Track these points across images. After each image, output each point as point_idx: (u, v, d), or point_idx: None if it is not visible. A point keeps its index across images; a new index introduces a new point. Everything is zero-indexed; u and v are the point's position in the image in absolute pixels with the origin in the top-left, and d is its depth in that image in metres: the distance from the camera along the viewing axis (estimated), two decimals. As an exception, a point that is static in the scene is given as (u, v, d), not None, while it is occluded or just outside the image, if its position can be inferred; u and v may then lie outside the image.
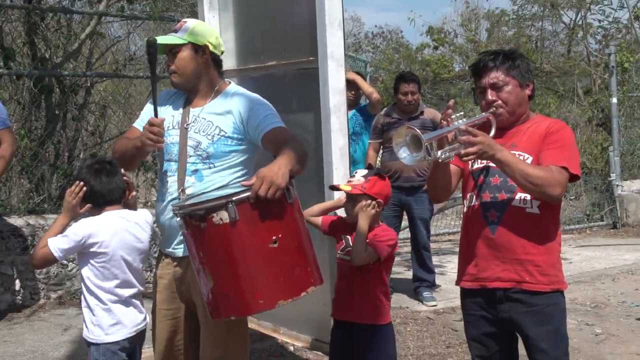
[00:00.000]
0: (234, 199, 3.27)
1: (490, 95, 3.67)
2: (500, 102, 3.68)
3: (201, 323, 3.94)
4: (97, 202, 3.78)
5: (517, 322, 3.76)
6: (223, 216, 3.27)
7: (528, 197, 3.64)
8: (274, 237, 3.37)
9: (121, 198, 3.87)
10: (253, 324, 5.36)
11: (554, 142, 3.65)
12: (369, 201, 4.02)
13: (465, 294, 3.91)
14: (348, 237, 4.17)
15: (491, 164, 3.71)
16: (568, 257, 9.66)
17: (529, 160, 3.62)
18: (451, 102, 3.63)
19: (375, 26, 36.69)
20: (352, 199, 4.10)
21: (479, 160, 3.81)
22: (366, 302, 4.18)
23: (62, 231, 3.72)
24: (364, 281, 4.18)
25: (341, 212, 4.38)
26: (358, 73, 8.46)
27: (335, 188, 4.26)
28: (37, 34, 8.85)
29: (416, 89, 7.80)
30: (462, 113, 3.56)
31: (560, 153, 3.60)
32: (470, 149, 3.36)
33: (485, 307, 3.78)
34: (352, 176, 4.22)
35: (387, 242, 4.12)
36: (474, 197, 3.81)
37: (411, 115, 7.78)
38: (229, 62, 5.45)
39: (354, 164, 7.71)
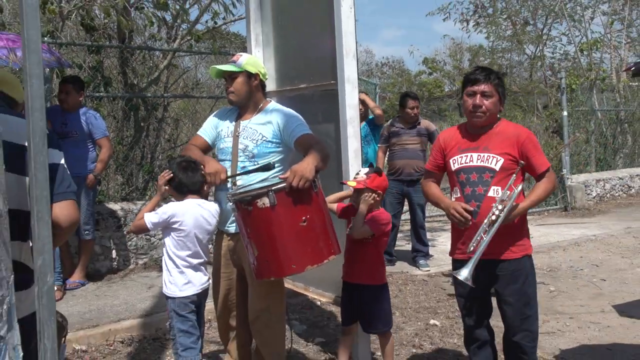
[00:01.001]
0: (273, 188, 3.40)
1: (479, 100, 3.66)
2: (484, 107, 3.67)
3: (249, 283, 3.97)
4: (181, 190, 3.84)
5: (492, 283, 3.79)
6: (265, 201, 3.40)
7: (499, 188, 3.63)
8: (303, 217, 3.50)
9: (200, 190, 3.89)
10: (289, 284, 5.33)
11: (532, 148, 3.69)
12: (370, 193, 4.04)
13: (455, 263, 3.89)
14: (353, 218, 4.14)
15: (470, 164, 3.71)
16: (531, 233, 9.46)
17: (500, 163, 3.65)
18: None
19: (383, 57, 37.12)
20: (357, 192, 4.09)
21: (460, 161, 3.78)
22: (365, 268, 4.19)
23: (154, 206, 3.85)
24: (362, 252, 4.18)
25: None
26: (366, 93, 8.48)
27: (344, 184, 4.25)
28: (128, 66, 8.91)
29: (417, 104, 7.88)
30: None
31: (540, 156, 3.72)
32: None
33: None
34: (357, 173, 4.19)
35: (381, 221, 4.12)
36: (458, 190, 3.81)
37: (412, 125, 7.82)
38: (270, 85, 5.42)
39: (366, 162, 7.73)
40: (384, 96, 23.40)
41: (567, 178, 11.64)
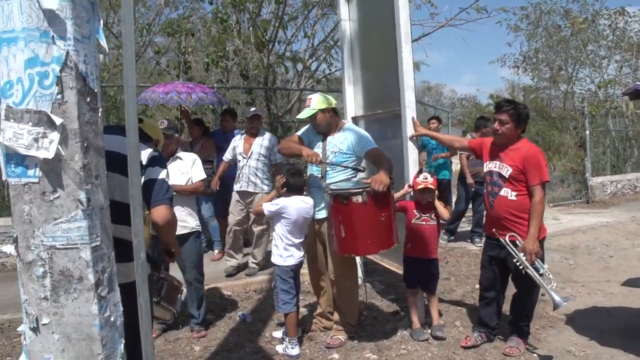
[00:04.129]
0: (366, 189, 3.29)
1: (497, 125, 3.27)
2: (500, 131, 3.29)
3: (329, 256, 3.69)
4: (290, 189, 3.62)
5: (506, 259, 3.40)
6: (359, 199, 3.31)
7: (509, 190, 3.33)
8: (382, 214, 3.37)
9: (302, 189, 3.66)
10: (376, 259, 5.05)
11: (531, 164, 3.28)
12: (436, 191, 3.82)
13: (486, 238, 3.62)
14: (415, 211, 3.87)
15: (493, 169, 3.32)
16: (560, 220, 8.80)
17: (510, 171, 3.32)
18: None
19: (462, 94, 37.01)
20: (428, 190, 3.77)
21: (489, 165, 3.40)
22: (430, 246, 3.87)
23: (272, 199, 3.70)
24: (427, 234, 3.85)
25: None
26: (439, 118, 7.90)
27: (426, 188, 3.83)
28: (270, 101, 8.89)
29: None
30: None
31: (535, 172, 3.27)
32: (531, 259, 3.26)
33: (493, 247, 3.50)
34: (418, 173, 3.86)
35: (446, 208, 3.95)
36: (486, 186, 3.42)
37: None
38: (359, 111, 5.16)
39: (440, 167, 7.26)
40: (463, 120, 22.75)
41: (589, 179, 11.05)
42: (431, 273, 3.91)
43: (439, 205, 3.85)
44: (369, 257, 5.15)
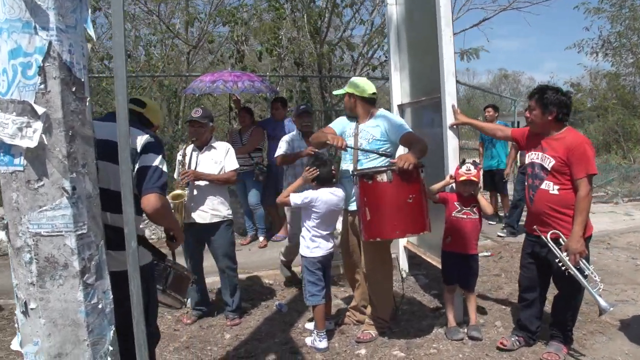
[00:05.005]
0: (391, 167, 3.18)
1: (527, 113, 3.07)
2: (530, 118, 3.16)
3: (362, 248, 3.60)
4: (319, 182, 3.56)
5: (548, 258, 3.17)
6: (383, 177, 3.18)
7: (551, 183, 3.06)
8: (410, 195, 3.21)
9: (331, 181, 3.58)
10: (414, 248, 4.91)
11: (577, 156, 2.99)
12: (479, 184, 3.66)
13: (526, 234, 3.40)
14: (456, 203, 3.70)
15: (535, 160, 3.09)
16: (634, 216, 8.12)
17: (552, 163, 3.05)
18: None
19: (539, 82, 35.23)
20: (471, 183, 3.60)
21: (530, 156, 3.18)
22: (471, 242, 3.70)
23: (297, 187, 3.62)
24: (469, 229, 3.68)
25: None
26: (495, 107, 7.50)
27: (468, 180, 3.63)
28: (325, 89, 8.83)
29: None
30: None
31: (581, 165, 2.98)
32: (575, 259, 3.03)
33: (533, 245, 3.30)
34: (468, 169, 3.65)
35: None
36: (527, 179, 3.20)
37: None
38: (406, 99, 5.01)
39: (494, 157, 6.94)
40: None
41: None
42: (470, 269, 3.74)
43: (481, 198, 3.65)
44: (413, 249, 5.01)
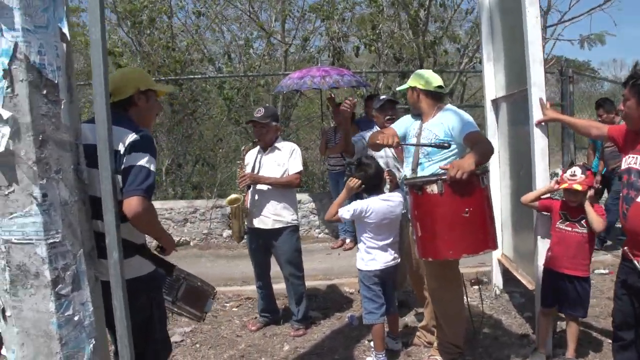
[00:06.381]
0: (442, 177, 2.79)
1: (621, 105, 2.47)
2: (624, 112, 2.51)
3: (424, 262, 3.26)
4: (366, 190, 3.31)
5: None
6: (434, 188, 2.81)
7: None
8: (466, 209, 2.81)
9: (380, 186, 3.32)
10: (511, 267, 4.37)
11: None
12: (592, 191, 3.10)
13: (622, 258, 2.76)
14: (561, 213, 3.23)
15: (633, 165, 2.52)
16: None
17: None
18: None
19: None
20: (575, 193, 3.08)
21: (628, 161, 2.60)
22: (581, 261, 3.19)
23: (344, 200, 3.36)
24: (581, 246, 3.17)
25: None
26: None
27: (570, 189, 3.13)
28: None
29: None
30: None
31: None
32: None
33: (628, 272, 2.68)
34: (565, 170, 3.22)
35: (602, 216, 3.13)
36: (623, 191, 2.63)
37: None
38: (500, 92, 4.52)
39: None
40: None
41: None
42: (575, 294, 3.20)
43: (590, 210, 3.07)
44: (506, 264, 4.49)
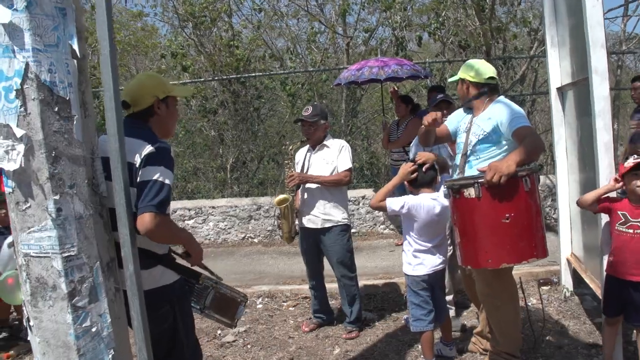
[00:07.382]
0: (479, 180, 2.59)
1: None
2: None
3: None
4: (416, 185, 3.15)
5: None
6: (471, 192, 2.62)
7: None
8: (507, 214, 2.57)
9: (432, 184, 3.15)
10: (580, 269, 4.04)
11: None
12: None
13: None
14: (620, 213, 2.92)
15: None
16: None
17: None
18: None
19: None
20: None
21: None
22: (634, 263, 2.85)
23: (393, 188, 3.19)
24: (636, 250, 2.85)
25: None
26: None
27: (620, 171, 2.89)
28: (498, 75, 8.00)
29: None
30: None
31: None
32: None
33: None
34: (622, 163, 2.91)
35: None
36: None
37: None
38: (566, 80, 4.20)
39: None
40: None
41: None
42: None
43: None
44: (575, 264, 4.16)
